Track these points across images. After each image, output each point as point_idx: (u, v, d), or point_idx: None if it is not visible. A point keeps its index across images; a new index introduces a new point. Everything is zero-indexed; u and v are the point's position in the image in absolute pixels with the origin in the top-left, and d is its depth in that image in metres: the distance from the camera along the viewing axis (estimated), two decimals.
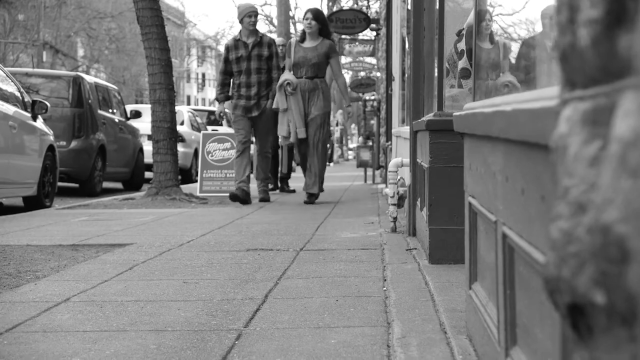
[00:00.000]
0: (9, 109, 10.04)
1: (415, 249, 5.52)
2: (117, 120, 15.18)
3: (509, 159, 2.01)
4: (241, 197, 10.26)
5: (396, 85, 12.23)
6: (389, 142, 13.81)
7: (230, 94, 10.86)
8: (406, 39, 9.33)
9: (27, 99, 10.82)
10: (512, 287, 2.03)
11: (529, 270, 1.80)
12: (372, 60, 25.45)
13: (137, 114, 15.64)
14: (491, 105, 2.25)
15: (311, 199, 10.51)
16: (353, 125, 62.92)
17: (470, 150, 2.85)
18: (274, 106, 10.59)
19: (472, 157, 2.79)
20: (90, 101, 13.49)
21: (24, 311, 3.63)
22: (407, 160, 6.72)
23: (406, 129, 7.68)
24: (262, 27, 45.37)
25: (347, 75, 34.35)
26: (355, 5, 31.41)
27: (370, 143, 20.21)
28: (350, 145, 55.73)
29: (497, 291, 2.22)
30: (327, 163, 15.26)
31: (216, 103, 11.20)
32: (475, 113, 2.51)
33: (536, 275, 1.71)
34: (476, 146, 2.67)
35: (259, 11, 23.76)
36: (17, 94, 10.71)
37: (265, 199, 10.80)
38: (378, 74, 24.95)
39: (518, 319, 1.98)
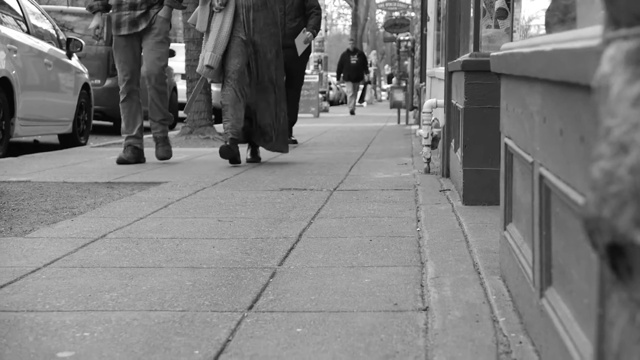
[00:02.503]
0: (44, 46, 10.07)
1: (449, 190, 5.52)
2: None
3: (548, 100, 2.00)
4: (126, 160, 7.62)
5: (431, 26, 12.12)
6: (423, 83, 13.73)
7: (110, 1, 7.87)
8: None
9: (61, 36, 10.85)
10: (548, 228, 2.03)
11: (565, 211, 1.80)
12: (406, 0, 25.19)
13: (171, 53, 15.62)
14: (530, 46, 2.23)
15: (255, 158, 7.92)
16: (386, 66, 62.54)
17: (507, 91, 2.83)
18: (189, 20, 7.82)
19: (509, 98, 2.77)
20: None
21: (62, 247, 3.68)
22: (441, 101, 6.69)
23: (441, 70, 7.63)
24: None
25: (381, 15, 34.03)
26: None
27: (404, 84, 20.10)
28: (383, 86, 55.46)
29: (533, 232, 2.22)
30: (359, 103, 14.02)
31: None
32: (513, 53, 2.49)
33: (573, 216, 1.70)
34: (513, 87, 2.65)
35: None
36: (52, 31, 10.73)
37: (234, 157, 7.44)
38: (412, 14, 24.72)
39: (554, 260, 1.98)
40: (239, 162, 7.49)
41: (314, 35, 9.10)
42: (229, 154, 7.30)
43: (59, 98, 10.22)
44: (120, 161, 7.61)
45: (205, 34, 7.51)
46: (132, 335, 2.37)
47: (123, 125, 7.86)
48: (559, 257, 1.91)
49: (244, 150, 7.99)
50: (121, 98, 7.83)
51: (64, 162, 7.70)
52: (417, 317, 2.56)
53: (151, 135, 8.10)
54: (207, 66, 7.31)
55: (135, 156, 7.72)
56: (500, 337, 2.32)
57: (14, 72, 8.95)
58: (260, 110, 7.59)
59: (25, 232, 4.04)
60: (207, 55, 7.32)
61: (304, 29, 9.01)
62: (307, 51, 10.35)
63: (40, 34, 10.36)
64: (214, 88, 14.61)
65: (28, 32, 9.98)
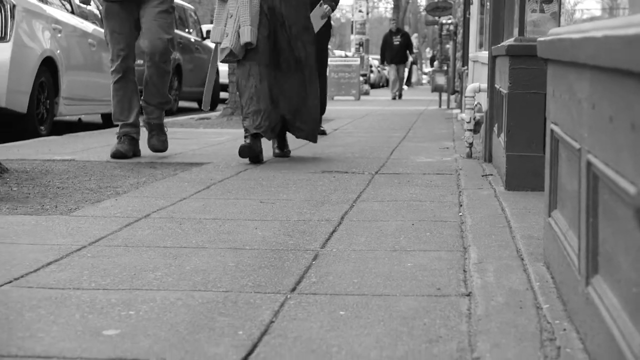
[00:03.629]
0: (88, 26, 10.14)
1: (492, 175, 5.49)
2: (193, 40, 15.25)
3: (597, 86, 1.98)
4: (124, 153, 6.42)
5: (474, 9, 12.04)
6: (465, 67, 13.65)
7: None
8: None
9: None
10: (595, 215, 2.02)
11: (614, 199, 1.79)
12: None
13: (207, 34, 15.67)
14: (579, 31, 2.21)
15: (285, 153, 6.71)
16: (428, 49, 62.24)
17: (554, 76, 2.81)
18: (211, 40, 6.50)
19: (556, 84, 2.75)
20: None
21: (106, 225, 3.71)
22: (484, 85, 6.65)
23: (484, 54, 7.58)
24: None
25: None
26: None
27: (445, 67, 20.00)
28: (425, 70, 55.20)
29: (579, 219, 2.20)
30: (404, 86, 13.03)
31: None
32: (561, 39, 2.47)
33: (622, 204, 1.69)
34: (561, 73, 2.63)
35: None
36: (96, 11, 10.80)
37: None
38: None
39: (600, 247, 1.97)
40: (262, 160, 6.28)
41: (332, 9, 7.67)
42: (249, 152, 6.13)
43: (103, 78, 10.30)
44: (117, 154, 6.36)
45: (220, 2, 6.35)
46: (176, 314, 2.39)
47: (116, 111, 6.59)
48: (606, 245, 1.90)
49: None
50: (114, 78, 6.54)
51: (108, 141, 7.76)
52: (460, 302, 2.55)
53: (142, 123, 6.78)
54: (248, 44, 6.19)
55: (132, 148, 6.51)
56: (544, 323, 2.31)
57: (58, 51, 9.03)
58: (286, 94, 6.40)
59: (70, 211, 4.08)
60: (247, 31, 6.14)
61: (320, 2, 7.88)
62: (327, 34, 9.20)
63: (85, 14, 10.43)
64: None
65: (72, 12, 10.05)
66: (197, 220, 3.87)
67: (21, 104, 8.30)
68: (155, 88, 6.56)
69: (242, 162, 6.19)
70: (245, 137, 6.27)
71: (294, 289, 2.69)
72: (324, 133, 9.26)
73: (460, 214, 4.10)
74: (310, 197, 4.61)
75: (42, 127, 8.81)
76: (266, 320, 2.35)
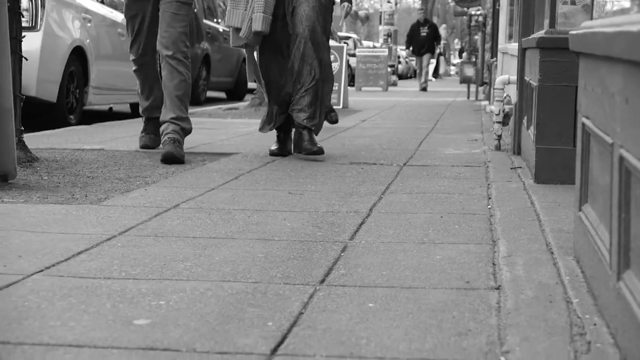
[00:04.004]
0: (118, 16, 10.18)
1: (520, 167, 5.47)
2: (221, 30, 15.27)
3: (630, 81, 1.97)
4: (174, 157, 5.58)
5: (504, 0, 11.97)
6: (494, 59, 13.58)
7: None
8: None
9: None
10: (627, 210, 2.01)
11: None
12: None
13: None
14: (612, 25, 2.20)
15: (311, 138, 5.94)
16: (456, 41, 61.97)
17: (587, 70, 2.79)
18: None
19: (588, 78, 2.73)
20: (195, 10, 13.57)
21: (136, 215, 3.73)
22: (513, 77, 6.61)
23: (514, 46, 7.54)
24: None
25: None
26: None
27: (474, 59, 19.91)
28: (453, 61, 54.98)
29: (611, 214, 2.19)
30: (430, 78, 12.36)
31: None
32: (594, 32, 2.45)
33: None
34: (593, 66, 2.61)
35: None
36: None
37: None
38: None
39: (632, 242, 1.96)
40: (291, 151, 6.18)
41: (350, 6, 6.88)
42: (282, 151, 6.13)
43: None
44: (145, 146, 6.36)
45: None
46: (206, 305, 2.41)
47: (141, 98, 6.50)
48: (639, 241, 1.89)
49: None
50: (134, 67, 6.45)
51: (136, 131, 7.79)
52: (489, 295, 2.55)
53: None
54: (258, 32, 5.84)
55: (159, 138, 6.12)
56: (574, 318, 2.30)
57: (88, 41, 9.07)
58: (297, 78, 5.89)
59: (100, 200, 4.11)
60: (258, 18, 5.76)
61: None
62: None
63: (114, 4, 10.47)
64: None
65: (102, 2, 10.09)
66: (226, 211, 3.88)
67: (51, 93, 8.35)
68: (175, 98, 5.86)
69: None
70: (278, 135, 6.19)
71: (322, 281, 2.70)
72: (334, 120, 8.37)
73: (489, 206, 4.09)
74: (339, 188, 4.62)
75: (71, 117, 8.86)
76: (295, 312, 2.36)
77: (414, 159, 6.04)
